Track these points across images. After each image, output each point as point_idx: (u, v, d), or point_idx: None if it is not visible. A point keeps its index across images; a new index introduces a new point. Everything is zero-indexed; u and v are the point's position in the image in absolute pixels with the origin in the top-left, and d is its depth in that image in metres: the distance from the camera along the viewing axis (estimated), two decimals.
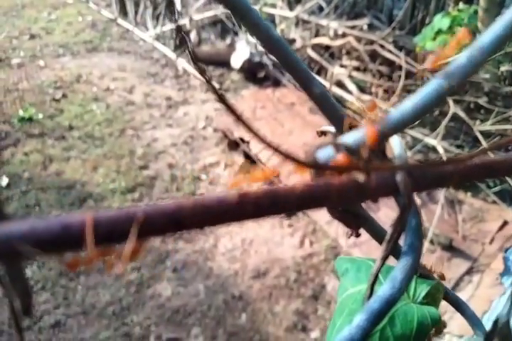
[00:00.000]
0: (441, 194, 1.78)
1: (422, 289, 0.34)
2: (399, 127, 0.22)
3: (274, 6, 3.19)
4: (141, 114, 2.72)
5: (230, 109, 0.18)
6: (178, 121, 2.68)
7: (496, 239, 1.57)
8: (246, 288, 1.71)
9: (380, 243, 0.30)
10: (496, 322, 0.43)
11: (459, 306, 0.38)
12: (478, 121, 1.99)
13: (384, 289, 0.23)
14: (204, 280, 1.75)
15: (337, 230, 1.76)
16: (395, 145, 0.25)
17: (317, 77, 2.68)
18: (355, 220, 0.28)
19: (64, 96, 2.83)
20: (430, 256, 1.56)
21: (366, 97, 2.40)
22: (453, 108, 1.98)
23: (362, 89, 2.52)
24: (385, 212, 1.74)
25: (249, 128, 0.18)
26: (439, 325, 0.33)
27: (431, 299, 0.34)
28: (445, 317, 1.40)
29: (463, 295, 1.47)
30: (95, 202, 2.06)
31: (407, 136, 2.18)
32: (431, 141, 2.00)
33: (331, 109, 0.26)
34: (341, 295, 0.35)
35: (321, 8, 3.05)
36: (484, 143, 1.80)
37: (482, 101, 2.00)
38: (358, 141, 0.22)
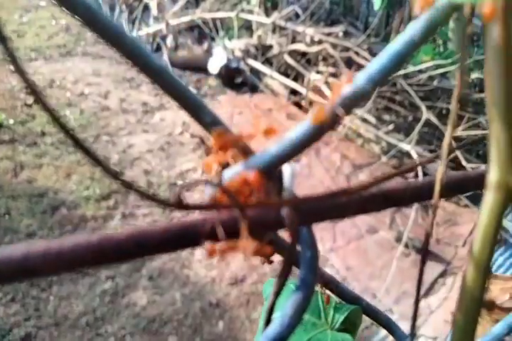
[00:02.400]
0: None
1: (340, 315, 0.34)
2: (275, 163, 0.22)
3: (251, 12, 3.20)
4: (116, 119, 2.68)
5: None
6: (154, 127, 2.65)
7: (468, 241, 1.61)
8: (223, 295, 1.70)
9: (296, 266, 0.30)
10: None
11: (390, 327, 0.38)
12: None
13: (273, 327, 0.22)
14: (181, 288, 1.73)
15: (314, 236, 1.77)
16: (286, 175, 0.24)
17: (294, 83, 2.70)
18: (267, 248, 0.26)
19: (36, 101, 2.76)
20: (405, 259, 1.58)
21: None
22: (426, 114, 2.02)
23: None
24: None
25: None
26: None
27: (349, 325, 0.34)
28: (419, 320, 1.42)
29: (437, 297, 1.49)
30: (68, 210, 2.01)
31: (382, 142, 2.22)
32: (405, 146, 2.03)
33: None
34: (262, 322, 0.35)
35: (297, 15, 3.08)
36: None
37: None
38: (239, 173, 0.22)
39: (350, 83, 0.19)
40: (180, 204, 0.19)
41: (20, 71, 0.17)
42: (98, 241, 0.17)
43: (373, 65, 0.20)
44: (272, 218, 0.20)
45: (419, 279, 0.25)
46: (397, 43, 0.19)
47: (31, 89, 0.17)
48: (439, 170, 0.21)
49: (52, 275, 0.17)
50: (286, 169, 0.24)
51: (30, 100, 2.75)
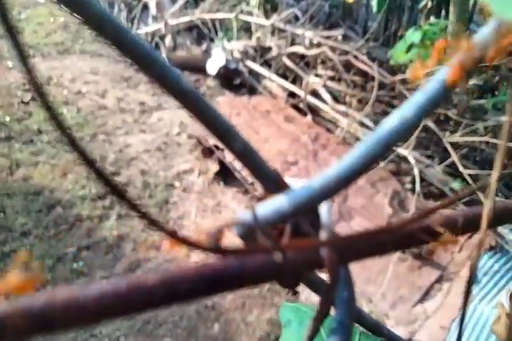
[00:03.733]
0: (412, 203, 1.82)
1: None
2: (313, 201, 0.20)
3: (250, 13, 3.20)
4: (113, 118, 2.67)
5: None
6: (151, 127, 2.64)
7: (464, 247, 1.62)
8: (219, 298, 1.69)
9: (318, 294, 0.28)
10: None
11: None
12: (448, 132, 2.05)
13: None
14: None
15: None
16: (323, 213, 0.23)
17: (292, 85, 2.70)
18: (292, 280, 0.25)
19: (33, 99, 2.74)
20: (401, 264, 1.59)
21: (340, 107, 2.44)
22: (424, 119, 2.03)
23: (336, 98, 2.55)
24: (359, 221, 1.76)
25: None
26: None
27: None
28: (414, 326, 1.42)
29: (433, 303, 1.50)
30: (64, 209, 2.00)
31: None
32: (402, 151, 2.04)
33: (258, 166, 0.24)
34: None
35: (296, 18, 3.09)
36: (453, 154, 1.86)
37: (451, 113, 2.06)
38: (276, 211, 0.20)
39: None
40: (218, 249, 0.18)
41: (27, 67, 0.16)
42: (126, 289, 0.16)
43: (420, 97, 0.19)
44: (311, 259, 0.19)
45: (463, 311, 0.24)
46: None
47: (35, 85, 0.16)
48: (487, 204, 0.21)
49: (76, 329, 0.15)
50: (323, 205, 0.23)
51: (27, 97, 2.73)
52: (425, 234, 0.20)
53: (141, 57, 0.20)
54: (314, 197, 0.20)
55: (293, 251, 0.19)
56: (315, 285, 0.29)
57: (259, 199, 0.21)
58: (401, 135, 0.19)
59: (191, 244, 0.17)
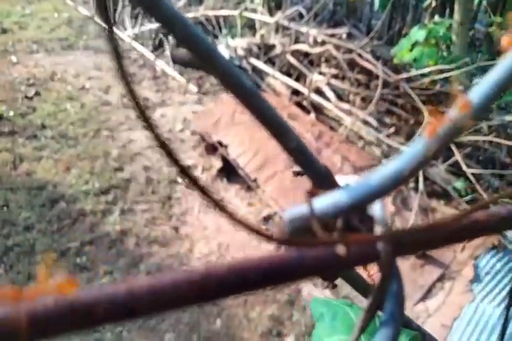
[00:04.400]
0: (415, 202, 1.82)
1: (401, 340, 0.34)
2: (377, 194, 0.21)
3: (254, 11, 3.20)
4: (116, 114, 2.67)
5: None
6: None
7: (467, 246, 1.62)
8: None
9: (359, 292, 0.29)
10: None
11: None
12: None
13: None
14: None
15: None
16: (376, 210, 0.23)
17: (296, 83, 2.70)
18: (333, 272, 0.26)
19: (37, 93, 2.75)
20: (404, 263, 1.59)
21: (344, 105, 2.44)
22: (427, 118, 2.03)
23: (340, 96, 2.55)
24: None
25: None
26: None
27: None
28: (417, 323, 1.43)
29: (435, 301, 1.50)
30: (67, 203, 2.00)
31: (383, 144, 2.23)
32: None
33: (309, 163, 0.24)
34: None
35: (301, 15, 3.08)
36: (457, 153, 1.86)
37: None
38: (334, 205, 0.21)
39: (467, 107, 0.19)
40: (283, 240, 0.20)
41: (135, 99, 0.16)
42: (200, 277, 0.16)
43: (484, 86, 0.19)
44: (369, 253, 0.20)
45: (502, 331, 0.25)
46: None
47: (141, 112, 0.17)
48: None
49: (154, 315, 0.16)
50: (377, 202, 0.23)
51: (31, 92, 2.73)
52: (469, 230, 0.21)
53: (205, 54, 0.20)
54: (372, 194, 0.21)
55: (353, 244, 0.20)
56: (352, 279, 0.30)
57: (310, 194, 0.21)
58: (462, 129, 0.19)
59: (259, 234, 0.18)
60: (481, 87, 0.19)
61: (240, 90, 0.21)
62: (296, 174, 0.28)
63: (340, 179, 0.25)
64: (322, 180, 0.24)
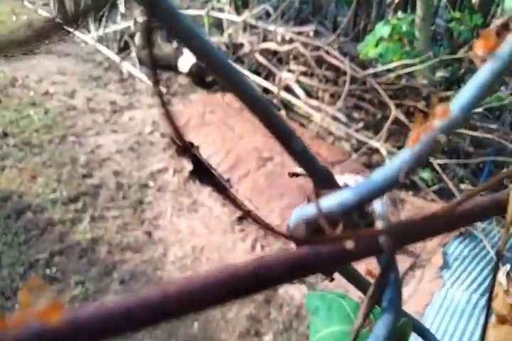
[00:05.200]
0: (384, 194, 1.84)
1: None
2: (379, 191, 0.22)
3: (221, 10, 3.18)
4: (83, 119, 2.60)
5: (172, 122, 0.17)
6: (123, 127, 2.59)
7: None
8: None
9: (354, 284, 0.31)
10: None
11: (424, 334, 0.39)
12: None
13: None
14: None
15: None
16: (376, 205, 0.25)
17: (265, 81, 2.70)
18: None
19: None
20: None
21: (313, 102, 2.44)
22: (394, 112, 2.06)
23: (309, 93, 2.56)
24: None
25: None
26: None
27: (401, 336, 0.35)
28: None
29: (407, 289, 1.52)
30: (34, 213, 1.93)
31: (352, 139, 2.24)
32: (374, 143, 2.06)
33: (311, 165, 0.26)
34: (313, 336, 0.35)
35: (268, 14, 3.08)
36: None
37: (421, 105, 2.10)
38: (341, 204, 0.22)
39: (446, 115, 0.20)
40: (297, 238, 0.21)
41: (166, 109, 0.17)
42: (227, 276, 0.17)
43: (464, 95, 0.20)
44: (373, 246, 0.22)
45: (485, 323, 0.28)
46: (482, 72, 0.20)
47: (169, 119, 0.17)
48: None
49: (186, 316, 0.16)
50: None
51: None
52: (463, 219, 0.23)
53: (217, 64, 0.21)
54: (377, 190, 0.22)
55: (360, 239, 0.21)
56: (348, 273, 0.32)
57: (314, 194, 0.23)
58: (466, 121, 0.20)
59: (274, 232, 0.20)
60: (460, 99, 0.21)
61: (251, 101, 0.22)
62: (292, 175, 0.30)
63: (339, 179, 0.26)
64: (324, 181, 0.26)
